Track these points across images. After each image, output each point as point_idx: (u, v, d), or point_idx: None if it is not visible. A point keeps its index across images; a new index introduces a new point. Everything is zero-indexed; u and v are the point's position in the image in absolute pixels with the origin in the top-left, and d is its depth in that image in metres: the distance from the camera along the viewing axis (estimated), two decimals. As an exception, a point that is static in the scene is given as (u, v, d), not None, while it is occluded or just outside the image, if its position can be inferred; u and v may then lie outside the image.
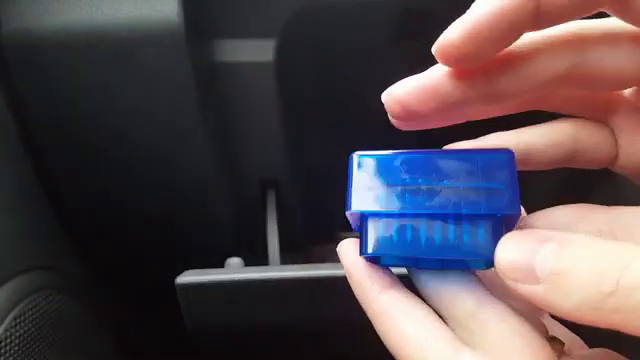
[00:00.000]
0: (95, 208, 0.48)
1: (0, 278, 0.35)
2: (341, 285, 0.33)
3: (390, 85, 0.18)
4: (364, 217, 0.18)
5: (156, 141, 0.43)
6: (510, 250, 0.15)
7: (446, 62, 0.17)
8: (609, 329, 0.14)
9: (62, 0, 0.38)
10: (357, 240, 0.19)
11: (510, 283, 0.15)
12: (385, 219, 0.18)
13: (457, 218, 0.17)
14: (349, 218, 0.19)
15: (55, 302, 0.41)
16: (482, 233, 0.17)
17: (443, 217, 0.17)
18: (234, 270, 0.35)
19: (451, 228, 0.17)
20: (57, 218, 0.46)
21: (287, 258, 0.48)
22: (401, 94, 0.18)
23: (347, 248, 0.19)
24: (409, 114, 0.18)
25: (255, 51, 0.43)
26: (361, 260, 0.19)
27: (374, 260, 0.19)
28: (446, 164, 0.18)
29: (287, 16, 0.42)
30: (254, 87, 0.44)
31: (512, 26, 0.15)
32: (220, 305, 0.34)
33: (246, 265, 0.43)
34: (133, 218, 0.48)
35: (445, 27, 0.16)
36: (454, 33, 0.16)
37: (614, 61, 0.17)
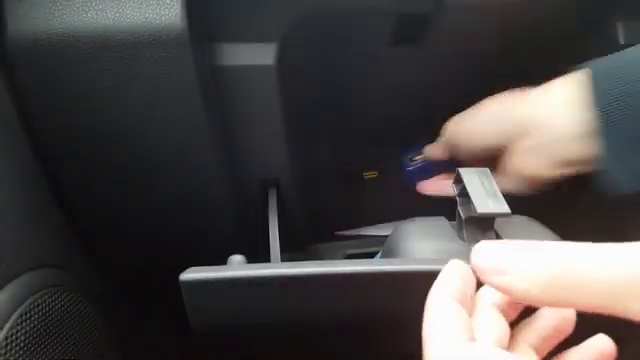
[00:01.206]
0: (99, 208, 0.49)
1: (7, 275, 0.36)
2: (344, 282, 0.33)
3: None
4: None
5: (160, 143, 0.44)
6: (486, 257, 0.22)
7: None
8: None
9: (67, 4, 0.38)
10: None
11: (487, 278, 0.22)
12: None
13: None
14: None
15: (62, 300, 0.41)
16: None
17: None
18: (238, 267, 0.35)
19: None
20: (64, 218, 0.46)
21: (288, 257, 0.49)
22: None
23: (452, 268, 0.26)
24: None
25: (257, 55, 0.43)
26: (459, 269, 0.25)
27: None
28: None
29: (288, 21, 0.43)
30: (256, 89, 0.45)
31: None
32: (224, 302, 0.35)
33: (248, 263, 0.43)
34: (137, 218, 0.49)
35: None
36: None
37: None
